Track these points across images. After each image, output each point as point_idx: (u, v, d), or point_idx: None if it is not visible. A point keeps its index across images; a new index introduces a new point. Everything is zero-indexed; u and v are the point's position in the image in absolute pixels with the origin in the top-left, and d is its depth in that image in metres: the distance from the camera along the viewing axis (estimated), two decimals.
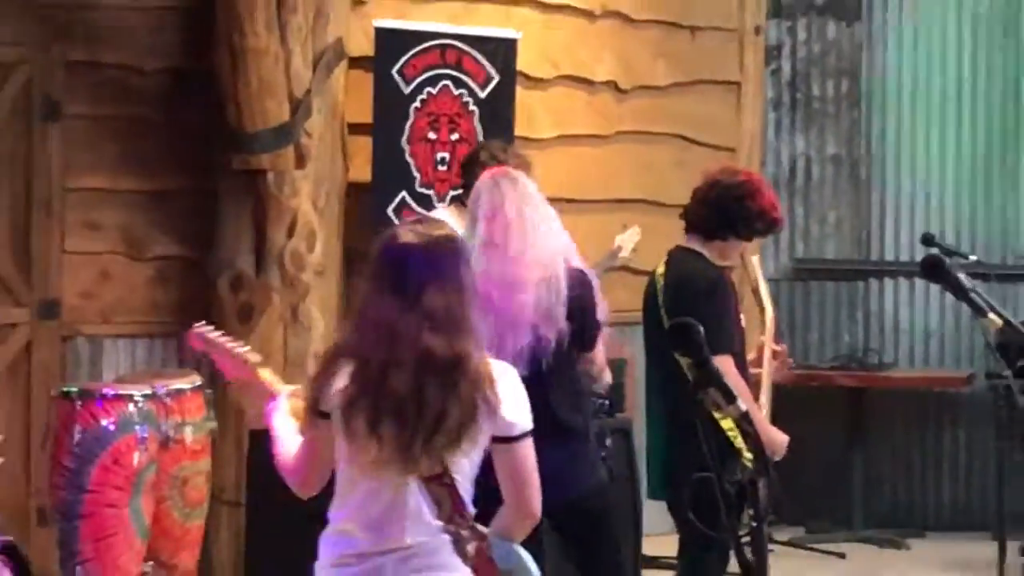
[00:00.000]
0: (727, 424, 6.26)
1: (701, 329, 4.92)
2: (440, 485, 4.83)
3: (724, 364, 6.63)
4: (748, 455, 6.12)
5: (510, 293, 6.81)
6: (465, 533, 4.84)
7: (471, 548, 4.81)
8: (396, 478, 4.67)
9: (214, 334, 5.10)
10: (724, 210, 7.39)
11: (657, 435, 7.69)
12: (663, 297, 7.38)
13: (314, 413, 4.59)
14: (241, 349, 5.07)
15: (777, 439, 7.26)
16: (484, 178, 7.29)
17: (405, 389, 4.65)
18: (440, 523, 4.74)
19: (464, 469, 4.76)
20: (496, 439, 4.69)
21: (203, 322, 5.37)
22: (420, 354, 4.66)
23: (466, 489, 4.80)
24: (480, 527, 4.86)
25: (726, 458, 5.47)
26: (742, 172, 8.19)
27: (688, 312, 6.05)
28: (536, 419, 5.27)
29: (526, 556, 5.07)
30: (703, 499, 5.32)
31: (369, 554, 4.68)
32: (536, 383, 6.07)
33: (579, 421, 7.07)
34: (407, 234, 4.84)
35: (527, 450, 4.86)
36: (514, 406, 4.79)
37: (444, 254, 4.86)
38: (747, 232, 7.53)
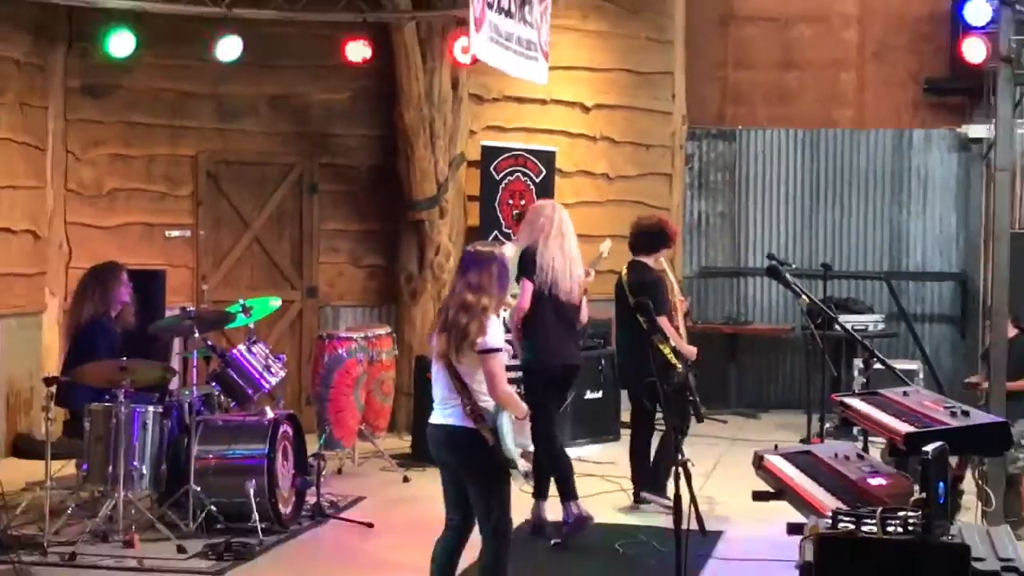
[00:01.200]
0: (666, 351, 9.40)
1: (650, 303, 7.90)
2: (454, 372, 6.70)
3: (663, 320, 9.71)
4: (679, 367, 9.43)
5: (570, 267, 9.33)
6: (466, 399, 6.68)
7: (469, 408, 6.67)
8: (441, 362, 6.77)
9: None
10: (651, 236, 10.29)
11: (624, 358, 10.43)
12: (628, 287, 10.06)
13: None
14: None
15: (690, 350, 10.03)
16: (546, 204, 9.94)
17: (452, 318, 6.69)
18: (456, 391, 6.71)
19: (464, 366, 6.69)
20: (478, 351, 6.63)
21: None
22: (460, 302, 6.72)
23: (468, 376, 6.68)
24: (481, 398, 6.72)
25: (667, 369, 9.41)
26: (655, 217, 11.02)
27: (644, 294, 9.19)
28: (566, 331, 9.07)
29: (504, 420, 6.73)
30: (652, 393, 8.98)
31: (436, 403, 6.86)
32: (567, 317, 9.36)
33: (576, 335, 9.63)
34: (473, 248, 7.00)
35: (490, 360, 6.67)
36: (488, 337, 6.64)
37: (484, 258, 6.88)
38: (663, 246, 10.30)
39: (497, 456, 6.66)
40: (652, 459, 10.27)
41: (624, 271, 10.32)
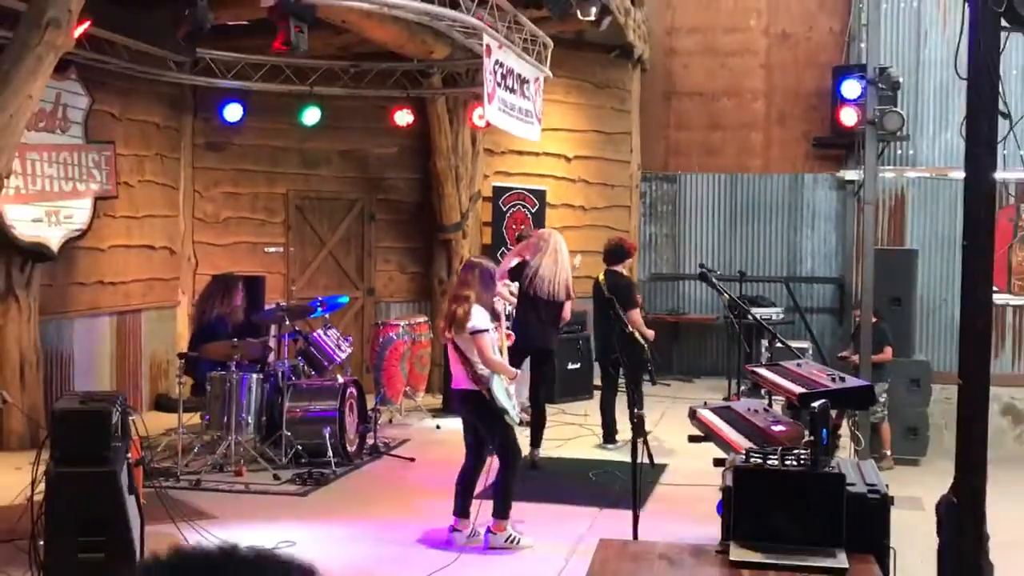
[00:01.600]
0: (635, 334, 9.80)
1: (616, 301, 8.58)
2: (456, 346, 6.94)
3: (634, 312, 9.98)
4: (645, 347, 9.85)
5: (558, 275, 9.37)
6: (468, 368, 6.85)
7: (471, 374, 6.87)
8: (450, 345, 7.03)
9: None
10: (619, 251, 10.43)
11: (598, 339, 10.81)
12: (606, 287, 9.87)
13: None
14: None
15: (649, 333, 10.12)
16: (546, 231, 10.03)
17: (449, 309, 7.02)
18: (460, 363, 6.94)
19: (460, 343, 6.88)
20: (469, 333, 6.79)
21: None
22: (453, 296, 7.04)
23: (464, 348, 6.81)
24: (479, 368, 6.79)
25: (634, 348, 9.47)
26: (621, 238, 11.10)
27: (620, 293, 9.70)
28: (541, 323, 9.19)
29: (495, 382, 6.85)
30: (616, 364, 9.40)
31: (452, 373, 7.21)
32: (546, 312, 9.40)
33: (550, 326, 9.51)
34: (470, 260, 7.47)
35: (478, 339, 6.79)
36: (473, 321, 6.77)
37: (470, 266, 7.16)
38: (627, 257, 10.47)
39: (494, 407, 6.83)
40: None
41: (601, 276, 10.28)
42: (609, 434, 10.20)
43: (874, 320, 10.03)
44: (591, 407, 11.85)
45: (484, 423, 6.98)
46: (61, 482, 5.18)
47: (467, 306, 6.75)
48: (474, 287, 6.86)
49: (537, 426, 9.45)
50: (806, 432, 4.59)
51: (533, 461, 9.24)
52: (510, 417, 6.88)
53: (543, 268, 9.34)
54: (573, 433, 10.81)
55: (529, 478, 8.56)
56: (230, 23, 10.63)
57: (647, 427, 9.94)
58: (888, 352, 10.06)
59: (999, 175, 11.27)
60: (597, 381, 12.81)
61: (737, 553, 4.00)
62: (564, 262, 9.43)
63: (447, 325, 6.89)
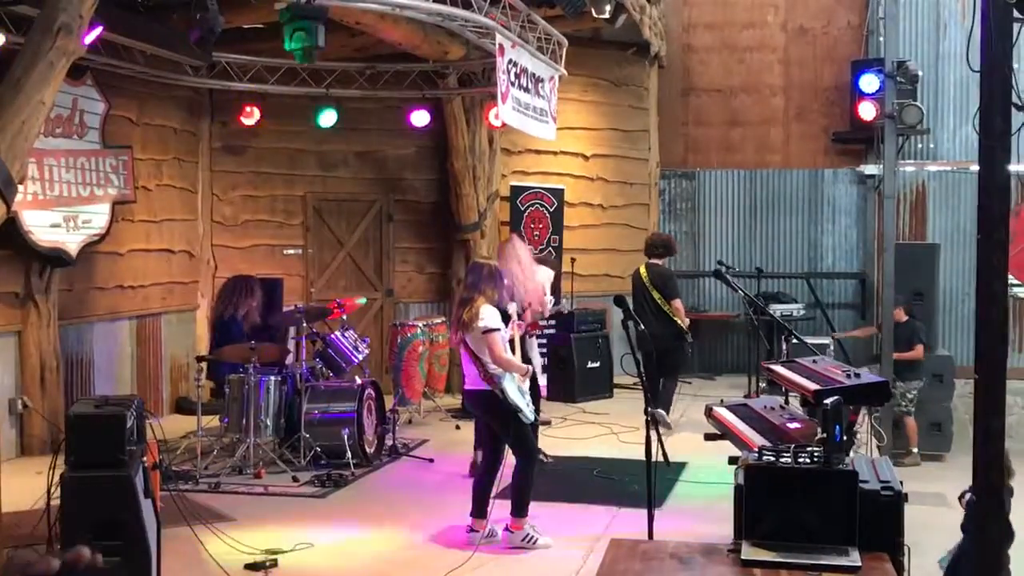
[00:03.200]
0: (679, 322, 10.65)
1: (660, 291, 10.02)
2: (467, 347, 6.89)
3: (677, 301, 10.74)
4: (687, 332, 10.67)
5: (532, 284, 9.07)
6: (480, 368, 6.82)
7: (483, 374, 6.83)
8: (460, 346, 6.97)
9: None
10: (665, 246, 11.10)
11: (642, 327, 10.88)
12: (648, 279, 10.77)
13: None
14: None
15: (687, 321, 10.86)
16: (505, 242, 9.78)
17: (456, 312, 7.05)
18: (473, 363, 6.89)
19: (471, 343, 6.84)
20: (481, 331, 6.73)
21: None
22: (459, 300, 7.03)
23: (475, 348, 6.77)
24: (490, 367, 6.74)
25: (682, 333, 10.53)
26: (664, 235, 12.01)
27: (665, 284, 10.64)
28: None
29: (506, 380, 6.84)
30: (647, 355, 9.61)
31: (464, 375, 7.07)
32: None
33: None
34: (476, 261, 7.50)
35: (489, 338, 6.78)
36: (484, 320, 6.77)
37: (477, 267, 7.13)
38: (669, 253, 11.13)
39: (507, 406, 6.82)
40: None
41: (643, 269, 10.87)
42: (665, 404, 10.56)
43: (903, 318, 9.93)
44: (610, 406, 12.04)
45: (498, 422, 6.97)
46: (76, 486, 5.20)
47: (475, 306, 6.76)
48: (483, 287, 6.86)
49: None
50: (819, 429, 4.54)
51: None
52: (524, 415, 6.88)
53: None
54: (593, 432, 10.78)
55: (548, 478, 8.54)
56: (245, 26, 10.66)
57: (670, 423, 10.24)
58: (919, 350, 9.94)
59: (1017, 168, 11.27)
60: (617, 380, 13.14)
61: (749, 552, 3.97)
62: (527, 268, 9.12)
63: (455, 326, 6.91)
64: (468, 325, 6.80)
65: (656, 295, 10.83)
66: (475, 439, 8.40)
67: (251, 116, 12.44)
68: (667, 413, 10.57)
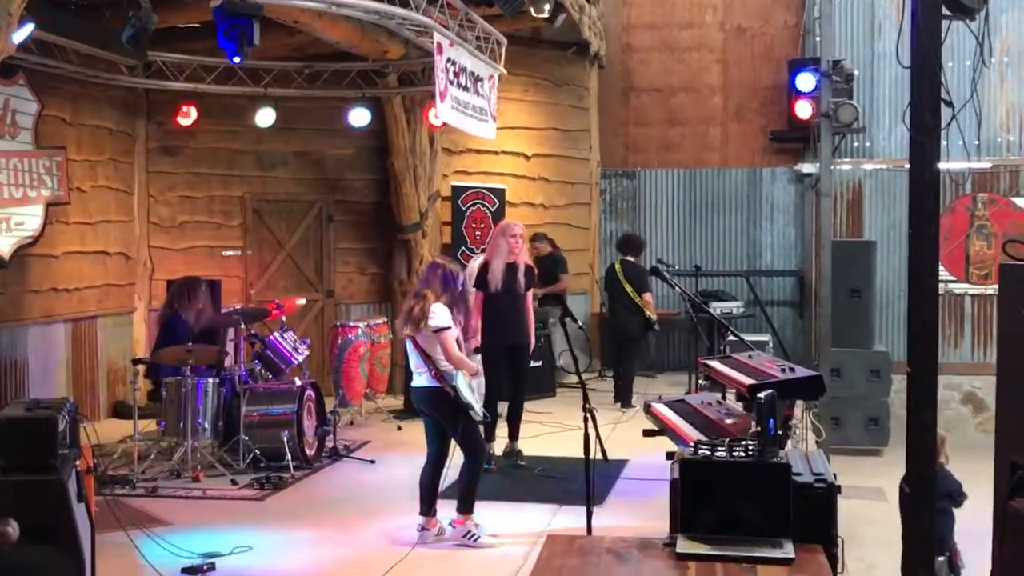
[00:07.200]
0: (647, 312, 11.70)
1: (634, 286, 11.53)
2: (419, 346, 6.93)
3: (647, 295, 11.68)
4: (654, 319, 11.53)
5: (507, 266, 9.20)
6: (430, 365, 6.86)
7: (434, 371, 6.87)
8: (409, 341, 7.00)
9: None
10: (637, 243, 12.13)
11: (613, 317, 12.24)
12: (623, 274, 11.83)
13: None
14: None
15: (654, 316, 11.81)
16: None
17: (408, 307, 7.00)
18: (423, 360, 6.93)
19: (423, 341, 6.89)
20: (433, 330, 6.81)
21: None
22: (413, 294, 7.07)
23: (426, 346, 6.82)
24: (441, 364, 6.81)
25: (647, 322, 11.72)
26: (636, 234, 12.56)
27: (638, 279, 11.52)
28: (517, 315, 9.24)
29: (459, 378, 6.88)
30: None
31: (412, 371, 7.08)
32: (516, 305, 9.36)
33: (523, 319, 9.41)
34: (434, 260, 7.39)
35: (441, 336, 6.83)
36: (435, 319, 6.83)
37: (439, 266, 7.10)
38: (640, 251, 12.25)
39: (458, 403, 6.84)
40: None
41: (618, 265, 12.08)
42: (626, 398, 11.79)
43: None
44: (552, 405, 12.01)
45: (448, 419, 6.96)
46: (6, 491, 5.11)
47: (426, 304, 6.78)
48: (434, 286, 6.88)
49: (514, 418, 9.49)
50: (754, 423, 4.59)
51: (516, 452, 9.37)
52: (474, 412, 6.91)
53: (493, 261, 9.23)
54: (537, 431, 10.76)
55: (491, 477, 8.54)
56: (181, 25, 10.57)
57: (608, 424, 10.30)
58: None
59: (956, 165, 11.43)
60: (558, 379, 13.21)
61: (684, 545, 4.01)
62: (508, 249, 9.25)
63: (405, 322, 6.89)
64: (420, 322, 6.81)
65: (629, 289, 11.81)
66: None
67: (188, 116, 12.32)
68: (630, 393, 11.83)
